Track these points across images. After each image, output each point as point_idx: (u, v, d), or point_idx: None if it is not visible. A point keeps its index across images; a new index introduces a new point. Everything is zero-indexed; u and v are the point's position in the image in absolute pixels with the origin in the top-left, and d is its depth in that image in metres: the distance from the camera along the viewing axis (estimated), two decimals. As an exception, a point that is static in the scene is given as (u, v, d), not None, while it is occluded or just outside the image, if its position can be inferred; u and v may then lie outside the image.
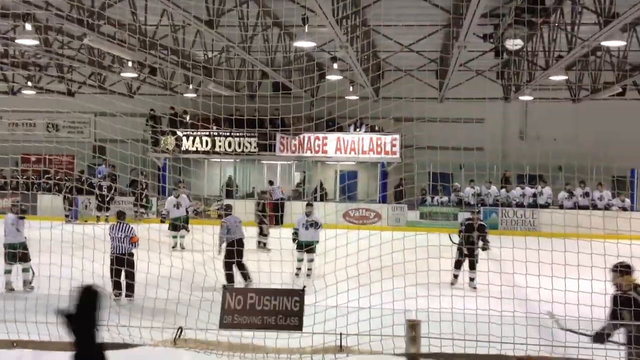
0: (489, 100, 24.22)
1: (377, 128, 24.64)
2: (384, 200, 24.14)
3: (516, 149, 24.84)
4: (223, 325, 6.14)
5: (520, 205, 22.93)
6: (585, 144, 21.28)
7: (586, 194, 22.57)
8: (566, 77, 21.18)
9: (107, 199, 23.28)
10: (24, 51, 19.31)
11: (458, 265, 12.82)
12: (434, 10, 16.08)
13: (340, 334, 5.92)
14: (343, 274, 7.49)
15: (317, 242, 13.65)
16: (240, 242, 12.68)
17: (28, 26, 15.47)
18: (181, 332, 5.82)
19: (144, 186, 23.61)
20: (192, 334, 6.71)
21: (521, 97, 23.31)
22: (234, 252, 12.06)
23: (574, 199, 22.32)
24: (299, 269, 13.60)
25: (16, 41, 16.47)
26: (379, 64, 21.90)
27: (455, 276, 12.77)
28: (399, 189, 23.34)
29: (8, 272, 12.07)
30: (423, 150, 19.29)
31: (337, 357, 6.49)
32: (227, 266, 12.39)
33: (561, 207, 22.05)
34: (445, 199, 23.69)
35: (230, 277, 12.34)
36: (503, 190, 23.55)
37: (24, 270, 12.03)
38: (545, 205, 22.48)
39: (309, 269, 13.54)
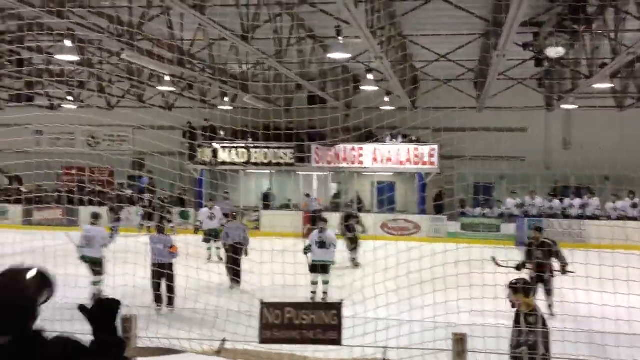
0: (530, 109, 23.78)
1: (414, 138, 24.42)
2: (423, 211, 23.85)
3: (560, 158, 24.30)
4: (262, 340, 6.08)
5: (566, 216, 22.38)
6: (632, 153, 20.72)
7: (634, 205, 21.94)
8: (611, 85, 20.66)
9: (148, 209, 23.46)
10: (64, 67, 19.65)
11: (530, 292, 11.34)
12: (471, 19, 15.84)
13: (384, 347, 5.77)
14: (383, 287, 7.34)
15: (332, 262, 12.66)
16: (235, 248, 13.45)
17: (68, 42, 15.74)
18: (224, 343, 5.79)
19: (163, 200, 23.69)
20: (232, 345, 6.65)
21: (564, 106, 22.83)
22: (231, 256, 12.96)
23: (618, 210, 21.75)
24: (313, 292, 12.40)
25: (57, 57, 16.79)
26: (414, 73, 21.72)
27: None
28: (440, 202, 22.84)
29: (97, 283, 12.18)
30: (463, 161, 19.04)
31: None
32: (228, 269, 13.11)
33: (609, 218, 21.47)
34: (487, 210, 23.29)
35: (234, 280, 13.09)
36: (546, 201, 23.05)
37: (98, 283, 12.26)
38: (594, 217, 21.90)
39: (324, 293, 12.39)
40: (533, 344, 6.00)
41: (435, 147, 23.79)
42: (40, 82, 22.73)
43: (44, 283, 2.77)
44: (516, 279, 6.44)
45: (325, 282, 12.48)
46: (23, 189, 25.84)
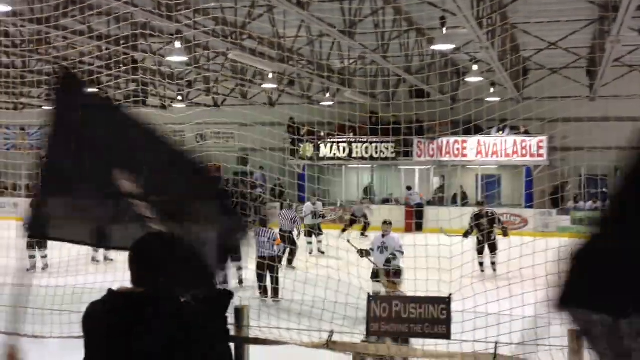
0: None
1: (521, 130, 23.64)
2: (530, 205, 23.06)
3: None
4: (370, 333, 6.10)
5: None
6: None
7: None
8: None
9: (257, 204, 24.03)
10: (174, 68, 20.51)
11: None
12: (582, 4, 15.17)
13: (496, 342, 5.63)
14: (493, 282, 7.17)
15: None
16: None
17: (177, 44, 16.40)
18: (332, 335, 5.86)
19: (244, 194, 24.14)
20: (340, 338, 6.72)
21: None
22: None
23: None
24: None
25: (167, 58, 17.54)
26: (522, 62, 21.02)
27: None
28: (557, 195, 21.77)
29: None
30: (575, 153, 18.31)
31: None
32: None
33: None
34: (599, 203, 22.20)
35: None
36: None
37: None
38: None
39: None
40: None
41: (544, 138, 22.93)
42: (152, 83, 23.82)
43: None
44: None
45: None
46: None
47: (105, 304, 2.73)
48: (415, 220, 22.41)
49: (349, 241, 10.50)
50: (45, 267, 14.57)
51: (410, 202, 24.26)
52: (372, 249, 11.25)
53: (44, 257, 14.79)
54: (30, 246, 14.08)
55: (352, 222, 20.86)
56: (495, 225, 14.46)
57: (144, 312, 2.62)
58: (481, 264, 14.10)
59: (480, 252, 14.18)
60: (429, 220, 22.06)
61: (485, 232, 14.05)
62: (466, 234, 13.37)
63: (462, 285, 7.56)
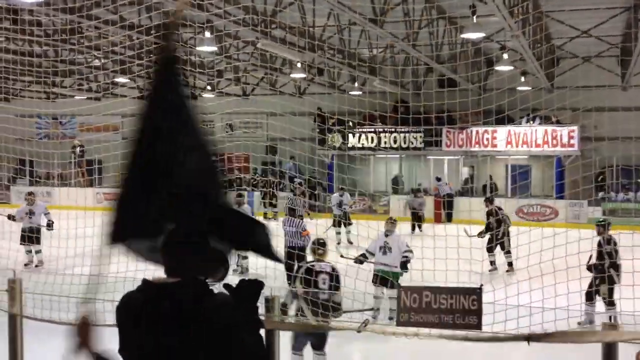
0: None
1: (553, 120, 23.29)
2: (560, 196, 22.76)
3: None
4: (400, 323, 6.11)
5: None
6: None
7: None
8: None
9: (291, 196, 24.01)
10: (204, 57, 20.61)
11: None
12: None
13: (529, 335, 5.59)
14: (525, 273, 7.12)
15: (399, 274, 9.87)
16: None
17: (207, 34, 16.47)
18: (366, 324, 5.94)
19: (272, 184, 24.12)
20: (371, 328, 6.76)
21: None
22: None
23: None
24: (373, 309, 9.27)
25: (197, 48, 17.62)
26: (553, 51, 20.70)
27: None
28: (592, 185, 21.11)
29: (245, 258, 12.50)
30: (606, 143, 18.02)
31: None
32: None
33: None
34: (630, 194, 21.85)
35: None
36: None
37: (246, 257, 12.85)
38: None
39: (392, 310, 9.14)
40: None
41: (575, 128, 22.58)
42: (182, 73, 23.94)
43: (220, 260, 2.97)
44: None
45: (393, 298, 9.64)
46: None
47: (140, 294, 2.73)
48: (445, 211, 22.27)
49: (342, 256, 9.67)
50: (39, 263, 13.74)
51: (439, 192, 24.12)
52: (370, 252, 10.18)
53: (38, 252, 13.87)
54: (24, 240, 13.55)
55: (417, 217, 21.18)
56: (502, 224, 13.53)
57: (177, 302, 2.62)
58: (492, 262, 13.40)
59: (489, 250, 13.22)
60: (459, 211, 21.89)
61: (493, 230, 13.36)
62: (481, 234, 12.73)
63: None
